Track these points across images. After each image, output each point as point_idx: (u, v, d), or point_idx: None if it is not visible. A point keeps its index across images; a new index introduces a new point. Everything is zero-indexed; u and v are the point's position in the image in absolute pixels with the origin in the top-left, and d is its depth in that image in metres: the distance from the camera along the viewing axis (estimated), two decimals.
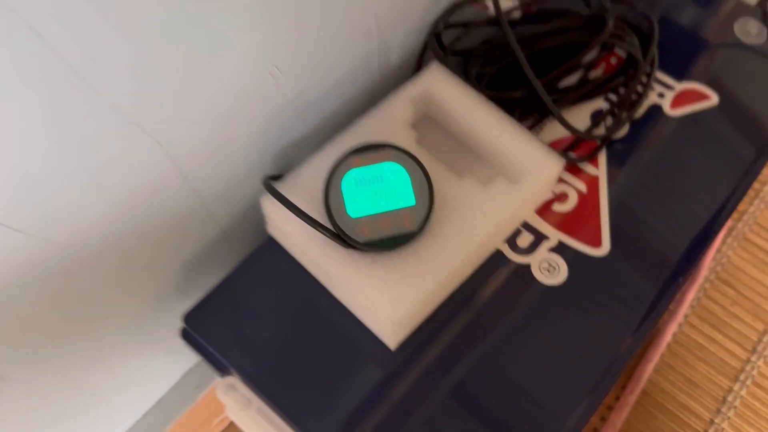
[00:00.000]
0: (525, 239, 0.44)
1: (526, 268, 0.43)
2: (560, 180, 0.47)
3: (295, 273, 0.42)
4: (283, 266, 0.42)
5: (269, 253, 0.43)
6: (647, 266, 0.45)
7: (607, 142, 0.49)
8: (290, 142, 0.44)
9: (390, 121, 0.43)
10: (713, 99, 0.52)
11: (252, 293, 0.42)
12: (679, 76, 0.53)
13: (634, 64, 0.51)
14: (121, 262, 0.38)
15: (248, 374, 0.39)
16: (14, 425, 0.39)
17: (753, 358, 0.67)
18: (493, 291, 0.43)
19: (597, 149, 0.48)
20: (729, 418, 0.65)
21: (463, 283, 0.42)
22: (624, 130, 0.50)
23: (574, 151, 0.48)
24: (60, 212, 0.31)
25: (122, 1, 0.27)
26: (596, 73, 0.52)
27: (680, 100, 0.51)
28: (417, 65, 0.50)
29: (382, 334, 0.40)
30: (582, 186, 0.47)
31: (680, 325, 0.69)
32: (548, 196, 0.46)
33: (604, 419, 0.64)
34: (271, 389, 0.39)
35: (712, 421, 0.65)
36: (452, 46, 0.50)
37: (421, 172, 0.39)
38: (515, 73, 0.47)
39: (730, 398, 0.66)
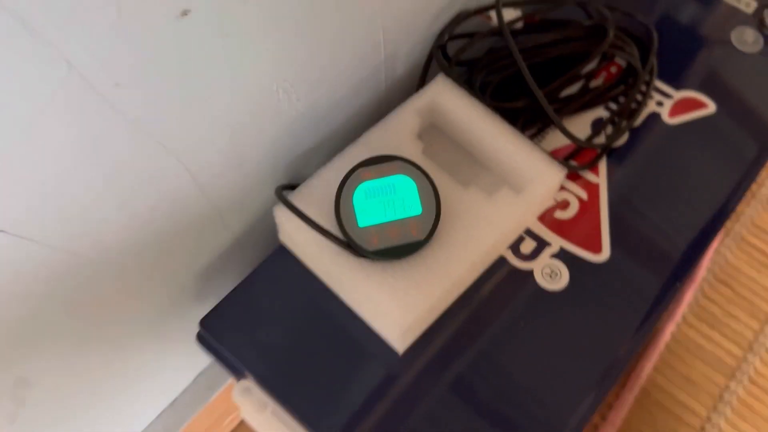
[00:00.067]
0: (528, 246, 0.46)
1: (529, 273, 0.45)
2: (562, 188, 0.48)
3: (306, 280, 0.44)
4: (294, 273, 0.44)
5: (281, 261, 0.44)
6: (646, 271, 0.46)
7: (607, 150, 0.50)
8: (301, 153, 0.46)
9: (397, 133, 0.45)
10: (710, 107, 0.53)
11: (265, 299, 0.43)
12: (678, 84, 0.54)
13: (633, 73, 0.53)
14: (141, 271, 0.39)
15: (262, 377, 0.41)
16: (39, 428, 0.40)
17: (749, 357, 0.69)
18: (497, 296, 0.44)
19: (597, 157, 0.49)
20: (726, 415, 0.67)
21: (469, 288, 0.44)
22: (623, 139, 0.51)
23: (576, 159, 0.50)
24: (86, 228, 0.33)
25: (147, 33, 0.28)
26: (597, 82, 0.53)
27: (678, 108, 0.53)
28: (422, 75, 0.52)
29: (391, 339, 0.42)
30: (583, 193, 0.48)
31: (678, 324, 0.70)
32: (550, 203, 0.48)
33: (604, 417, 0.66)
34: (284, 391, 0.41)
35: (709, 418, 0.67)
36: (457, 56, 0.51)
37: (428, 183, 0.41)
38: (518, 83, 0.49)
39: (726, 396, 0.67)
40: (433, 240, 0.41)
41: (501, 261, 0.45)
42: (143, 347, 0.45)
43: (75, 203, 0.31)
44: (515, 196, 0.44)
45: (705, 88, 0.54)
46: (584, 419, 0.42)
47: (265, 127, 0.40)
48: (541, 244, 0.46)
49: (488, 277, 0.45)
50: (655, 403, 0.67)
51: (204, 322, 0.43)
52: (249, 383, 0.42)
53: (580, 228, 0.47)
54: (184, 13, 0.30)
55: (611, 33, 0.50)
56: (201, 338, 0.43)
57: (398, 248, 0.40)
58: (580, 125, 0.51)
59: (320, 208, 0.41)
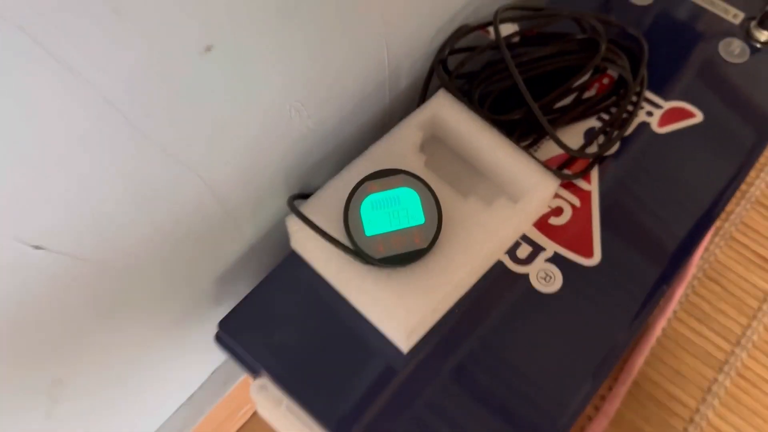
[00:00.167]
0: (524, 251, 0.49)
1: (525, 277, 0.48)
2: (556, 195, 0.51)
3: (317, 284, 0.47)
4: (306, 278, 0.47)
5: (293, 266, 0.47)
6: (635, 273, 0.49)
7: (599, 159, 0.53)
8: (310, 165, 0.49)
9: (401, 147, 0.48)
10: (698, 116, 0.56)
11: (279, 302, 0.46)
12: (667, 95, 0.57)
13: (625, 84, 0.55)
14: (164, 278, 0.42)
15: (277, 375, 0.44)
16: (70, 423, 0.44)
17: (737, 351, 0.72)
18: (495, 298, 0.47)
19: (590, 166, 0.52)
20: (714, 406, 0.70)
21: (468, 291, 0.47)
22: (615, 147, 0.54)
23: (569, 168, 0.53)
24: (117, 242, 0.36)
25: (176, 69, 0.31)
26: (590, 94, 0.56)
27: (667, 118, 0.56)
28: (424, 88, 0.54)
29: (396, 339, 0.45)
30: (575, 200, 0.51)
31: (669, 320, 0.74)
32: (545, 210, 0.51)
33: (597, 408, 0.69)
34: (297, 388, 0.44)
35: (697, 410, 0.70)
36: (457, 70, 0.54)
37: (430, 195, 0.44)
38: (515, 94, 0.51)
39: (714, 388, 0.71)
40: (435, 247, 0.44)
41: (499, 265, 0.48)
42: (165, 347, 0.48)
43: (108, 220, 0.34)
44: (512, 205, 0.47)
45: (693, 98, 0.57)
46: (578, 410, 0.45)
47: (278, 143, 0.43)
48: (536, 249, 0.49)
49: (487, 280, 0.48)
50: (646, 395, 0.70)
51: (222, 324, 0.46)
52: (264, 381, 0.45)
53: (573, 233, 0.50)
54: (208, 48, 0.32)
55: (603, 47, 0.53)
56: (219, 339, 0.47)
57: (403, 256, 0.43)
58: (574, 135, 0.54)
59: (329, 218, 0.44)
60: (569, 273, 0.48)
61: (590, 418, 0.69)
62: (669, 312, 0.74)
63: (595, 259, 0.49)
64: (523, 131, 0.53)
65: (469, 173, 0.50)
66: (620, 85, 0.56)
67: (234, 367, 0.48)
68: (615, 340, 0.46)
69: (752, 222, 0.79)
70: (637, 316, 0.48)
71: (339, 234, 0.43)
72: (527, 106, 0.50)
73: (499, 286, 0.48)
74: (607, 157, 0.54)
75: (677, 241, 0.50)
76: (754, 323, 0.73)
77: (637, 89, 0.55)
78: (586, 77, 0.55)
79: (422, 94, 0.54)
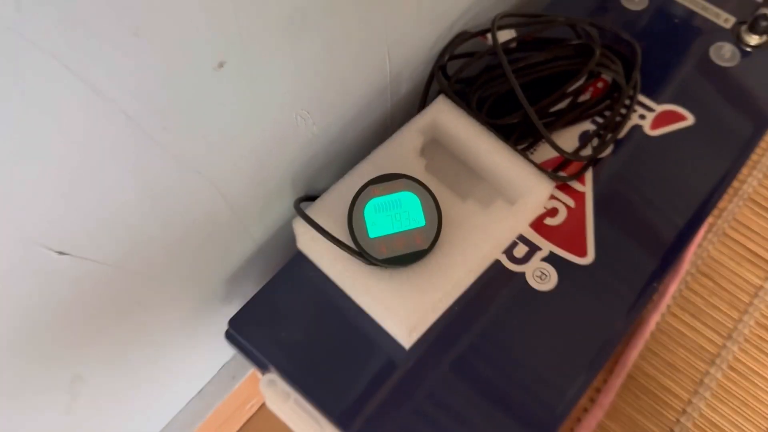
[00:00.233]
0: (520, 250, 0.51)
1: (522, 275, 0.50)
2: (551, 196, 0.53)
3: (322, 283, 0.49)
4: (312, 277, 0.49)
5: (300, 266, 0.49)
6: (627, 272, 0.51)
7: (593, 161, 0.55)
8: (315, 169, 0.51)
9: (402, 151, 0.50)
10: (690, 119, 0.58)
11: (286, 301, 0.48)
12: (659, 98, 0.59)
13: (618, 88, 0.57)
14: (178, 280, 0.44)
15: (285, 370, 0.46)
16: (87, 417, 0.46)
17: (728, 344, 0.74)
18: (493, 296, 0.49)
19: (584, 168, 0.54)
20: (705, 398, 0.72)
21: (467, 290, 0.49)
22: (608, 150, 0.56)
23: (564, 170, 0.55)
24: (134, 246, 0.38)
25: (191, 84, 0.33)
26: (584, 97, 0.58)
27: (659, 121, 0.58)
28: (424, 93, 0.56)
29: (398, 336, 0.47)
30: (570, 201, 0.53)
31: (663, 314, 0.76)
32: (540, 211, 0.53)
33: (593, 400, 0.72)
34: (305, 383, 0.46)
35: (690, 401, 0.72)
36: (456, 75, 0.56)
37: (430, 198, 0.46)
38: (512, 99, 0.53)
39: (706, 380, 0.73)
40: (436, 248, 0.46)
41: (496, 264, 0.50)
42: (178, 344, 0.50)
43: (126, 227, 0.36)
44: (509, 207, 0.49)
45: (684, 101, 0.59)
46: (574, 400, 0.47)
47: (284, 150, 0.45)
48: (532, 249, 0.51)
49: (485, 279, 0.50)
50: (640, 388, 0.73)
51: (232, 322, 0.48)
52: (273, 376, 0.47)
53: (568, 233, 0.52)
54: (221, 65, 0.34)
55: (598, 52, 0.55)
56: (229, 336, 0.49)
57: (404, 256, 0.45)
58: (569, 138, 0.56)
59: (334, 221, 0.46)
60: (564, 271, 0.50)
61: (586, 410, 0.72)
62: (663, 307, 0.76)
63: (589, 258, 0.51)
64: (520, 134, 0.55)
65: (468, 176, 0.52)
66: (614, 89, 0.58)
67: (242, 362, 0.50)
68: (608, 334, 0.49)
69: (744, 219, 0.81)
70: (629, 312, 0.50)
71: (343, 236, 0.45)
72: (524, 110, 0.52)
73: (496, 284, 0.50)
74: (600, 159, 0.56)
75: (668, 241, 0.52)
76: (746, 317, 0.76)
77: (630, 93, 0.57)
78: (580, 82, 0.57)
79: (422, 99, 0.56)
